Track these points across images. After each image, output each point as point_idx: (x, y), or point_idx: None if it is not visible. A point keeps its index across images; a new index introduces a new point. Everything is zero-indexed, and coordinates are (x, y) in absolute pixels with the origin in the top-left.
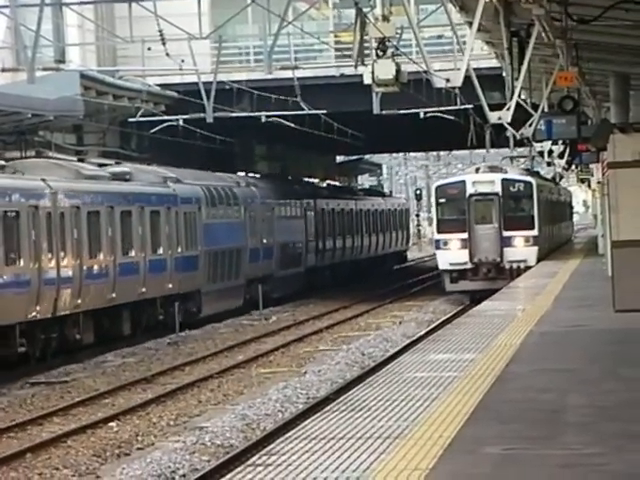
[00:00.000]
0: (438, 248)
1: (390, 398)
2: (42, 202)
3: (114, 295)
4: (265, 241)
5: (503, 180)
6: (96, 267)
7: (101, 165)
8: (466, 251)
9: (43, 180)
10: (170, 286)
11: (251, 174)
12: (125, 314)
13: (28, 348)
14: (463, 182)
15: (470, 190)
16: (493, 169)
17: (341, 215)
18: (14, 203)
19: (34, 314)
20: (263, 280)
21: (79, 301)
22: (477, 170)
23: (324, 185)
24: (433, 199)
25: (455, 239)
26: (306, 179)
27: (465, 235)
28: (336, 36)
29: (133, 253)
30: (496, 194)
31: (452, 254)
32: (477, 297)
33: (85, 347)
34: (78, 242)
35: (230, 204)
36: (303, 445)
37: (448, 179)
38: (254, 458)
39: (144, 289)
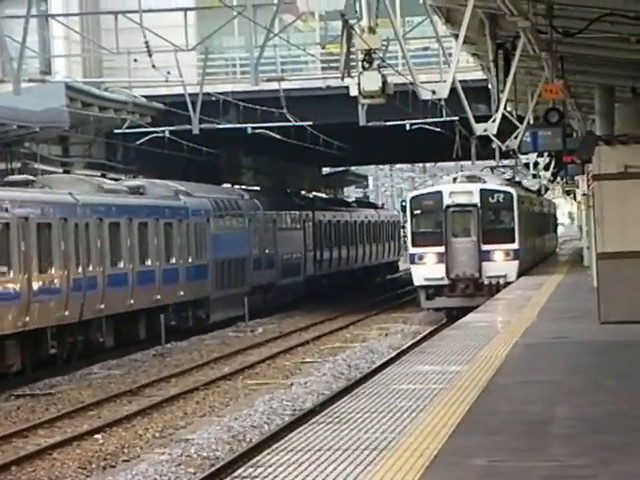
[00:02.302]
0: (413, 263)
1: (376, 410)
2: (70, 214)
3: (132, 301)
4: (267, 251)
5: (482, 190)
6: (117, 275)
7: (117, 179)
8: (442, 266)
9: (70, 194)
10: (182, 293)
11: (237, 185)
12: (141, 319)
13: (57, 350)
14: (439, 193)
15: (447, 201)
16: (471, 179)
17: (337, 226)
18: (47, 215)
19: (63, 318)
20: (266, 288)
21: (102, 306)
22: (454, 180)
23: (321, 197)
24: (408, 211)
25: (431, 253)
26: (304, 192)
27: (441, 249)
28: (325, 48)
29: (149, 262)
30: (474, 205)
31: (428, 269)
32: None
33: (107, 350)
34: (101, 251)
35: (235, 216)
36: (289, 457)
37: (423, 189)
38: (240, 470)
39: (159, 296)
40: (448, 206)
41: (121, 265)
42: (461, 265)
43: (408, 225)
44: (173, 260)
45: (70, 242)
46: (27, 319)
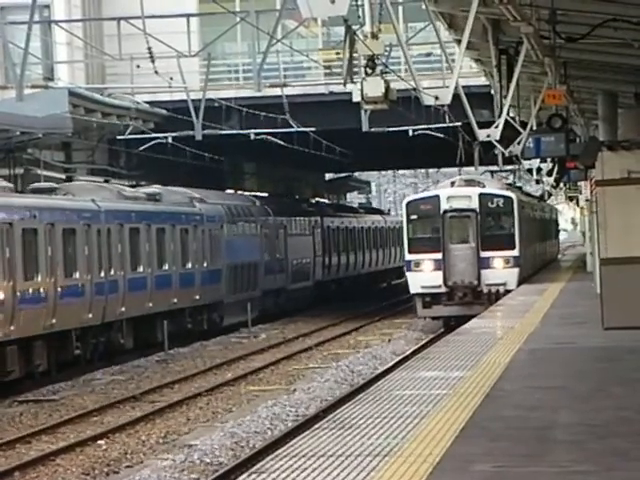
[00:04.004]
0: (409, 270)
1: (379, 416)
2: (93, 220)
3: (151, 305)
4: (278, 256)
5: (481, 195)
6: (137, 279)
7: (134, 186)
8: (440, 273)
9: (93, 201)
10: (197, 297)
11: (240, 191)
12: (159, 322)
13: (81, 351)
14: (437, 197)
15: (444, 206)
16: (470, 183)
17: (345, 232)
18: (71, 221)
19: (87, 321)
20: (277, 293)
21: (123, 309)
22: (452, 184)
23: (329, 203)
24: (404, 216)
25: (428, 260)
26: (314, 199)
27: (439, 255)
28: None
29: (166, 267)
30: (473, 210)
31: (424, 276)
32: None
33: (126, 351)
34: (122, 256)
35: (247, 222)
36: (292, 463)
37: (420, 194)
38: (243, 476)
39: (175, 300)
40: (446, 211)
41: (140, 269)
42: (459, 272)
43: (404, 230)
44: (189, 265)
45: (93, 247)
46: (53, 321)
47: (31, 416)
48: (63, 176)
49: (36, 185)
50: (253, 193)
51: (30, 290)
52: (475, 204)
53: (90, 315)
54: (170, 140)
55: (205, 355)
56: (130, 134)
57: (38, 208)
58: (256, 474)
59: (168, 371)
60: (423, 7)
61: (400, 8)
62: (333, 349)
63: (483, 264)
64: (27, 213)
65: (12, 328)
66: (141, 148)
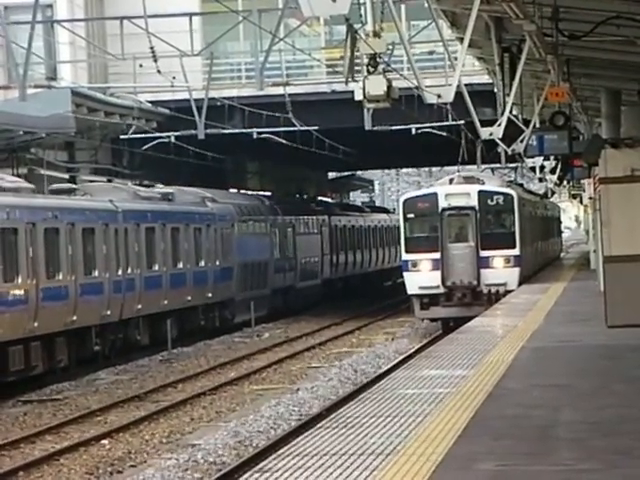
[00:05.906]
0: (406, 270)
1: (382, 414)
2: (111, 220)
3: (166, 302)
4: (287, 254)
5: (480, 192)
6: (152, 277)
7: (147, 186)
8: (438, 273)
9: (110, 201)
10: (210, 295)
11: (243, 191)
12: (173, 319)
13: (100, 347)
14: (435, 195)
15: (443, 204)
16: (469, 180)
17: (352, 231)
18: (91, 221)
19: (106, 317)
20: (286, 290)
21: (139, 306)
22: (451, 181)
23: (336, 203)
24: (401, 214)
25: (425, 260)
26: (322, 198)
27: (437, 255)
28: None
29: (181, 265)
30: (472, 208)
31: (422, 277)
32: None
33: (142, 348)
34: (138, 255)
35: (257, 221)
36: (296, 462)
37: (418, 191)
38: (246, 475)
39: (189, 297)
40: (444, 209)
41: (156, 268)
42: (458, 272)
43: (401, 229)
44: (202, 263)
45: (111, 246)
46: (74, 318)
47: (35, 416)
48: (66, 176)
49: (56, 186)
50: (256, 192)
51: (52, 288)
52: (474, 202)
53: (108, 312)
54: (173, 139)
55: (209, 354)
56: (133, 133)
57: (59, 209)
58: (259, 473)
59: (172, 370)
60: (425, 5)
61: (402, 6)
62: (336, 348)
63: (483, 264)
64: (49, 213)
65: (36, 325)
66: (144, 147)
